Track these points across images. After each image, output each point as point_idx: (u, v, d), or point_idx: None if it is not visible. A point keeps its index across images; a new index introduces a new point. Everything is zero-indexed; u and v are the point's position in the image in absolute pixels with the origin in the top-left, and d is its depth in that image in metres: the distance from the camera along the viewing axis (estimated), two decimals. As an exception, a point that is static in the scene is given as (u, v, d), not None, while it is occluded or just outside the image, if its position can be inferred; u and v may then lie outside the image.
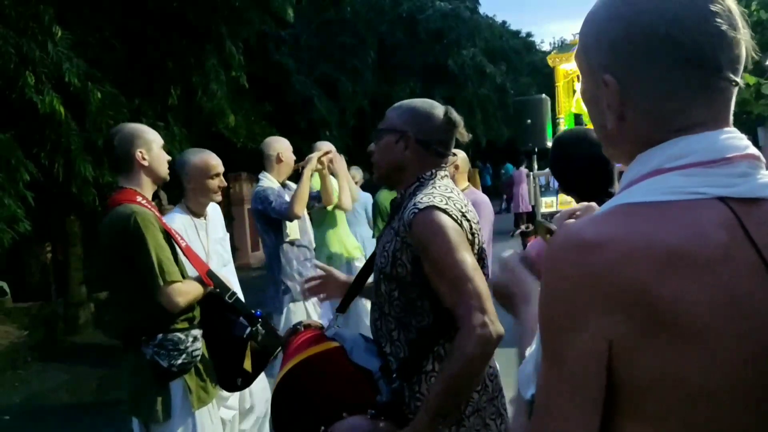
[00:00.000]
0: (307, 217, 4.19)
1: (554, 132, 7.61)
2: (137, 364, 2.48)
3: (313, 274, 3.95)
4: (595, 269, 0.80)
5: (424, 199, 1.73)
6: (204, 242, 3.31)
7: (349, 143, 11.52)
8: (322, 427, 1.75)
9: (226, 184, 3.34)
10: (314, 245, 4.27)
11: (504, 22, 24.71)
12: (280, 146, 4.11)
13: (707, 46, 0.85)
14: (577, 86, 8.56)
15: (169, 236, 2.52)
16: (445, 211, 1.69)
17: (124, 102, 6.34)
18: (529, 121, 6.71)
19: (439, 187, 1.80)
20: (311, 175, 3.99)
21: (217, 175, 3.23)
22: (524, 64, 23.38)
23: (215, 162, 3.25)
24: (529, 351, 0.94)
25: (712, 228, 0.81)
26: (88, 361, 6.68)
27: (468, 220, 1.75)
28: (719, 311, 0.78)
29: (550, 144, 7.70)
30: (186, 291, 2.49)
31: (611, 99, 0.91)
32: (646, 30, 0.87)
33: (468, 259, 1.66)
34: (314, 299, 3.99)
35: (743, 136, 0.89)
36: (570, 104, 10.15)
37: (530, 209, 12.38)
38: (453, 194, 1.78)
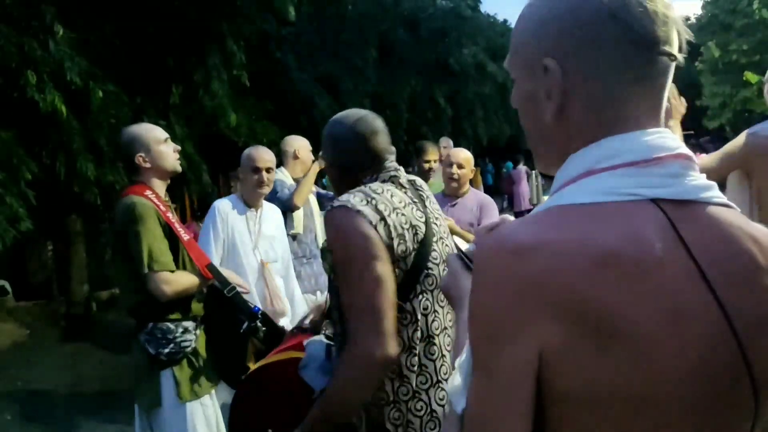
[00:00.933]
0: (316, 215, 4.20)
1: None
2: (136, 349, 2.62)
3: (307, 270, 4.05)
4: (528, 274, 0.77)
5: (344, 196, 1.65)
6: (253, 232, 3.51)
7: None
8: None
9: (266, 180, 3.50)
10: (319, 243, 4.27)
11: (505, 21, 24.66)
12: (298, 144, 4.25)
13: (649, 26, 0.84)
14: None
15: (170, 229, 2.59)
16: (358, 212, 1.58)
17: (126, 100, 6.34)
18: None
19: (370, 186, 1.69)
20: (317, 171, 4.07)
21: (257, 169, 3.47)
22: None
23: (257, 156, 3.51)
24: (458, 362, 0.90)
25: (645, 231, 0.79)
26: (90, 359, 6.68)
27: (387, 225, 1.60)
28: (653, 316, 0.76)
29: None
30: (174, 281, 2.53)
31: (552, 85, 0.88)
32: (593, 12, 0.85)
33: (372, 268, 1.53)
34: (309, 294, 4.02)
35: (675, 136, 0.88)
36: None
37: (531, 208, 12.36)
38: (381, 195, 1.66)
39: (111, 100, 6.04)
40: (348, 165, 1.78)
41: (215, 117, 7.83)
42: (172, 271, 2.53)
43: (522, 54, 0.92)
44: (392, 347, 1.51)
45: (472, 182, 4.26)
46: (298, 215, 4.05)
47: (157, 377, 2.58)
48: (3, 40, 5.15)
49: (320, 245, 4.20)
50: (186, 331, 2.61)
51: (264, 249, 3.53)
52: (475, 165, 16.95)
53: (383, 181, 1.75)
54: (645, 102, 0.87)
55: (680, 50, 0.89)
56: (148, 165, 2.64)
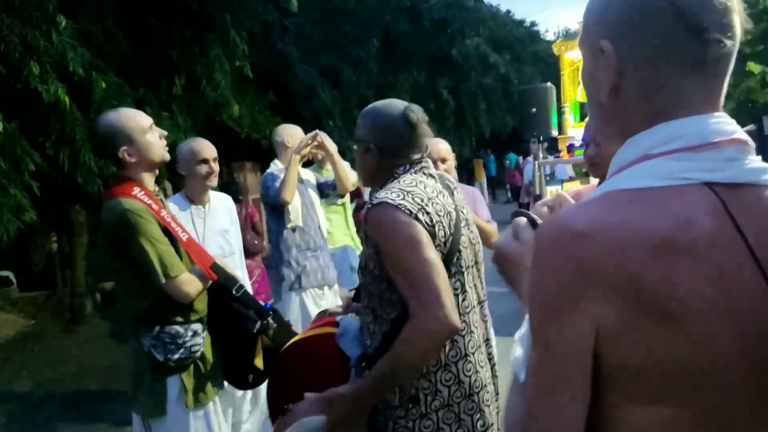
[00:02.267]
0: (317, 205, 4.17)
1: (560, 121, 7.60)
2: (137, 354, 2.42)
3: (312, 264, 4.00)
4: (584, 258, 0.82)
5: (381, 194, 1.77)
6: (199, 230, 3.29)
7: (352, 132, 11.49)
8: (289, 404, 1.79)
9: (215, 170, 3.31)
10: (326, 234, 4.24)
11: (508, 12, 24.61)
12: (287, 133, 4.18)
13: (703, 13, 0.85)
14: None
15: (167, 230, 2.41)
16: (398, 207, 1.70)
17: (129, 92, 6.33)
18: (534, 110, 6.69)
19: (404, 181, 1.82)
20: (300, 161, 3.92)
21: (205, 161, 3.23)
22: (528, 53, 23.25)
23: (201, 147, 3.26)
24: (518, 334, 0.94)
25: (699, 214, 0.82)
26: (94, 350, 6.71)
27: (427, 213, 1.74)
28: (706, 296, 0.79)
29: (555, 133, 7.71)
30: (193, 280, 2.42)
31: (607, 66, 0.91)
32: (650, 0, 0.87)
33: (421, 252, 1.67)
34: (315, 289, 4.00)
35: (732, 121, 0.89)
36: (575, 93, 10.13)
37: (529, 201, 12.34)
38: (416, 188, 1.78)
39: (113, 91, 6.03)
40: (393, 150, 1.88)
41: (218, 108, 7.83)
42: (185, 272, 2.40)
43: (586, 34, 0.96)
44: (455, 318, 1.65)
45: (474, 174, 4.23)
46: (295, 207, 3.98)
47: (161, 385, 2.41)
48: (6, 30, 5.14)
49: (325, 235, 4.20)
50: (195, 334, 2.45)
51: (217, 244, 3.36)
52: (478, 157, 16.85)
53: (414, 172, 1.86)
54: (701, 88, 0.88)
55: (751, 56, 0.90)
56: (134, 159, 2.39)
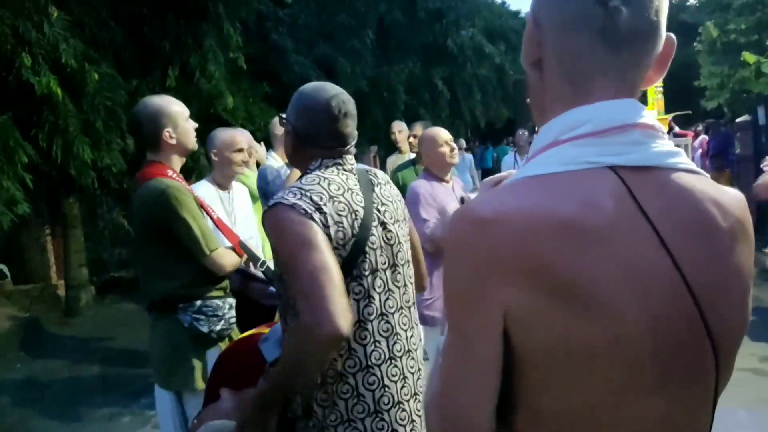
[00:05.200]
0: None
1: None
2: (173, 332, 2.49)
3: None
4: (488, 244, 0.83)
5: (278, 194, 1.67)
6: (230, 213, 3.49)
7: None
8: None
9: (249, 159, 3.52)
10: None
11: (503, 2, 24.48)
12: (274, 124, 4.19)
13: None
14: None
15: (201, 208, 2.56)
16: (292, 206, 1.60)
17: (122, 83, 6.29)
18: (529, 100, 6.70)
19: (307, 179, 1.71)
20: None
21: (241, 150, 3.44)
22: (521, 42, 23.17)
23: (240, 138, 3.49)
24: None
25: (603, 197, 0.83)
26: (90, 342, 6.71)
27: (323, 213, 1.62)
28: (611, 278, 0.80)
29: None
30: (230, 254, 2.55)
31: (530, 37, 0.93)
32: None
33: (310, 255, 1.54)
34: None
35: (642, 106, 0.90)
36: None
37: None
38: (317, 186, 1.67)
39: (106, 83, 5.99)
40: (308, 137, 1.78)
41: (212, 100, 7.79)
42: (221, 247, 2.52)
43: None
44: (339, 323, 1.48)
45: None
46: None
47: (201, 357, 2.51)
48: (-3, 22, 5.10)
49: None
50: (231, 307, 2.58)
51: (242, 227, 3.51)
52: (471, 149, 16.69)
53: (326, 167, 1.75)
54: (614, 64, 0.89)
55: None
56: (173, 142, 2.54)
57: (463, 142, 13.59)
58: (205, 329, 2.49)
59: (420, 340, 1.89)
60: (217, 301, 2.54)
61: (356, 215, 1.69)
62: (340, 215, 1.65)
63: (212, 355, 2.51)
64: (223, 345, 2.57)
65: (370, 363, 1.68)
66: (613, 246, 0.81)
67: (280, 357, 1.60)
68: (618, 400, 0.83)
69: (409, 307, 1.81)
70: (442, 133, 3.73)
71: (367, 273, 1.69)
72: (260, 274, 2.76)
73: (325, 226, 1.62)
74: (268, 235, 1.68)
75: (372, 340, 1.69)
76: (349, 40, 11.71)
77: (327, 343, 1.49)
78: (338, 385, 1.66)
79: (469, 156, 12.75)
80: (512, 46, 18.95)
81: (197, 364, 2.51)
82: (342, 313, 1.49)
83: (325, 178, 1.70)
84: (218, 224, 2.68)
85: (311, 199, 1.63)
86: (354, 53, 11.79)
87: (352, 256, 1.66)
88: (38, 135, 5.58)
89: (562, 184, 0.85)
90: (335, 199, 1.67)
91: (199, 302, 2.49)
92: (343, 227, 1.65)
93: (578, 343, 0.81)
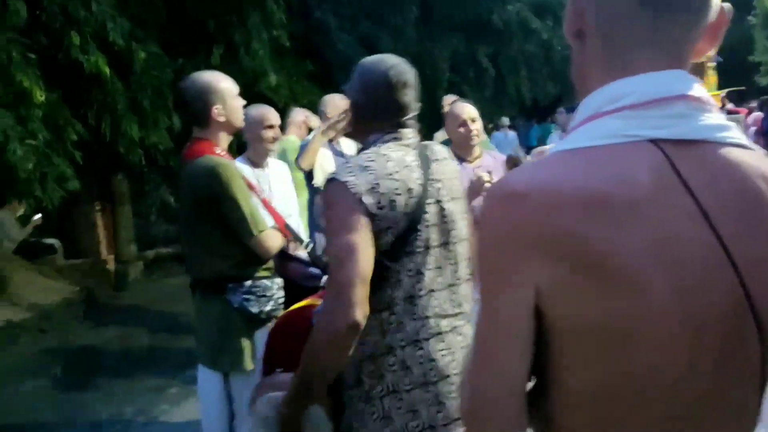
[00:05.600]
0: None
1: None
2: (222, 313, 2.47)
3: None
4: (520, 218, 0.82)
5: (336, 169, 1.68)
6: (266, 192, 3.43)
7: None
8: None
9: (281, 135, 3.51)
10: None
11: (551, -24, 23.95)
12: (330, 103, 4.25)
13: None
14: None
15: (249, 187, 2.52)
16: (344, 184, 1.60)
17: (167, 61, 6.38)
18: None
19: (365, 155, 1.70)
20: (326, 135, 4.00)
21: (272, 126, 3.42)
22: (571, 18, 22.61)
23: (270, 114, 3.46)
24: None
25: (641, 171, 0.81)
26: (138, 316, 6.89)
27: (377, 193, 1.61)
28: (645, 253, 0.78)
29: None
30: (276, 236, 2.51)
31: (571, 7, 0.91)
32: None
33: (348, 238, 1.56)
34: None
35: (691, 78, 0.86)
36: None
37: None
38: (373, 163, 1.66)
39: (153, 62, 6.09)
40: (367, 109, 1.79)
41: (255, 78, 7.83)
42: (268, 229, 2.50)
43: None
44: (354, 313, 1.51)
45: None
46: (317, 172, 4.07)
47: (250, 338, 2.49)
48: (47, 1, 5.20)
49: None
50: (280, 287, 2.55)
51: (279, 208, 3.49)
52: (516, 126, 16.47)
53: (384, 142, 1.74)
54: (660, 42, 0.86)
55: None
56: (222, 119, 2.47)
57: (506, 120, 13.39)
58: (255, 310, 2.46)
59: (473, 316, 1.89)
60: (266, 282, 2.50)
61: (411, 193, 1.68)
62: (394, 193, 1.65)
63: (260, 335, 2.49)
64: (271, 326, 2.50)
65: (418, 338, 1.69)
66: (647, 220, 0.79)
67: (306, 347, 1.61)
68: (648, 379, 0.81)
69: (460, 285, 1.80)
70: (463, 112, 3.50)
71: (419, 250, 1.70)
72: (300, 254, 2.72)
73: (377, 207, 1.61)
74: (322, 206, 1.72)
75: (422, 315, 1.70)
76: (393, 17, 11.61)
77: (342, 331, 1.53)
78: (386, 357, 1.68)
79: (512, 134, 12.57)
80: (560, 21, 18.57)
81: (246, 345, 2.48)
82: (359, 303, 1.52)
83: (383, 155, 1.69)
84: (265, 204, 2.65)
85: (366, 178, 1.62)
86: (397, 30, 11.70)
87: (406, 234, 1.67)
88: (87, 113, 5.71)
89: (599, 157, 0.83)
90: (391, 176, 1.66)
91: (248, 282, 2.46)
92: (397, 205, 1.65)
93: (608, 318, 0.79)
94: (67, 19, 5.31)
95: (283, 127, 4.15)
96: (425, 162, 1.76)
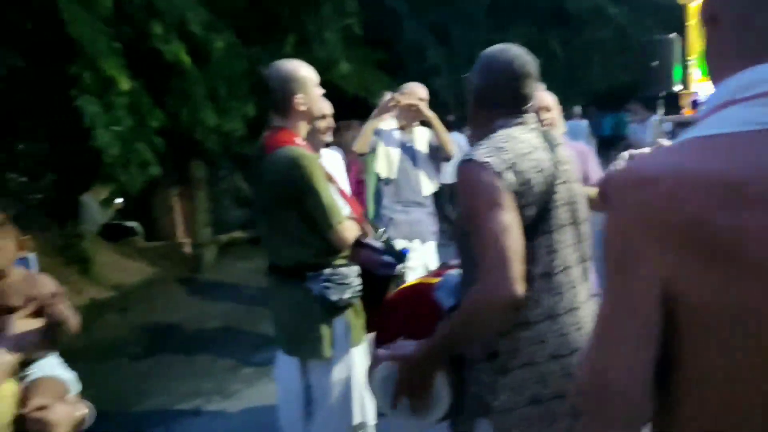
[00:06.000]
0: (423, 163, 4.19)
1: (684, 74, 7.11)
2: (302, 300, 2.50)
3: (401, 217, 4.06)
4: (650, 204, 0.82)
5: (470, 151, 1.72)
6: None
7: (460, 90, 11.33)
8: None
9: (334, 125, 3.47)
10: (426, 192, 4.25)
11: (628, -40, 23.16)
12: (403, 91, 4.20)
13: None
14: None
15: (329, 177, 2.55)
16: (483, 164, 1.65)
17: (243, 51, 6.53)
18: (655, 63, 6.32)
19: (497, 137, 1.75)
20: (377, 120, 4.06)
21: (324, 116, 3.37)
22: (649, 3, 21.83)
23: (323, 104, 3.38)
24: None
25: None
26: (213, 297, 7.13)
27: (516, 171, 1.67)
28: None
29: (677, 88, 7.25)
30: (353, 227, 2.53)
31: None
32: None
33: (497, 215, 1.61)
34: (402, 241, 4.04)
35: None
36: (702, 44, 9.43)
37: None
38: (508, 144, 1.72)
39: (229, 51, 6.24)
40: (489, 96, 1.84)
41: (327, 66, 7.92)
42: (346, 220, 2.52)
43: None
44: (515, 287, 1.57)
45: None
46: (385, 160, 4.09)
47: (329, 325, 2.51)
48: (131, -8, 5.41)
49: (425, 194, 4.22)
50: (357, 275, 2.56)
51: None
52: (589, 115, 15.92)
53: (511, 126, 1.80)
54: None
55: None
56: (303, 108, 2.49)
57: (578, 109, 13.08)
58: (334, 297, 2.47)
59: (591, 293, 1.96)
60: (345, 270, 2.51)
61: (544, 173, 1.74)
62: (530, 173, 1.71)
63: (338, 323, 2.53)
64: (349, 313, 2.57)
65: (553, 313, 1.75)
66: None
67: (458, 312, 1.68)
68: None
69: (584, 262, 1.87)
70: (538, 99, 3.48)
71: (553, 228, 1.76)
72: (374, 243, 2.74)
73: (518, 185, 1.67)
74: (458, 188, 1.74)
75: (557, 291, 1.76)
76: (464, 5, 11.51)
77: (503, 306, 1.58)
78: (524, 332, 1.73)
79: (583, 123, 12.26)
80: (636, 5, 17.92)
81: (326, 332, 2.50)
82: (519, 278, 1.58)
83: (514, 137, 1.76)
84: (342, 194, 2.65)
85: (503, 158, 1.68)
86: (468, 18, 11.59)
87: (542, 212, 1.73)
88: (167, 101, 5.91)
89: (732, 144, 0.82)
90: (525, 156, 1.72)
91: (328, 270, 2.48)
92: (534, 185, 1.71)
93: (738, 304, 0.79)
94: (149, 10, 5.51)
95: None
96: (551, 145, 1.83)
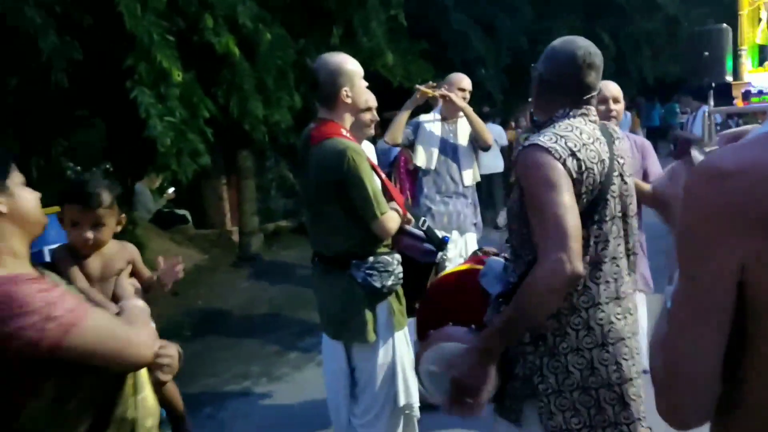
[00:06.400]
0: (464, 154, 4.22)
1: (735, 65, 6.94)
2: (347, 286, 2.60)
3: (440, 207, 4.09)
4: (731, 196, 0.85)
5: (534, 137, 1.79)
6: None
7: (504, 81, 11.25)
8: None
9: (378, 118, 3.51)
10: (469, 183, 4.27)
11: (680, -53, 22.53)
12: (447, 81, 4.25)
13: None
14: (764, 14, 7.69)
15: (373, 168, 2.62)
16: (547, 149, 1.72)
17: (290, 43, 6.63)
18: (706, 53, 6.19)
19: (560, 125, 1.82)
20: (409, 109, 4.11)
21: (369, 109, 3.38)
22: (701, -8, 21.24)
23: (368, 97, 3.38)
24: (668, 290, 0.99)
25: None
26: (260, 283, 7.30)
27: (577, 159, 1.73)
28: None
29: (729, 78, 7.08)
30: (395, 218, 2.61)
31: None
32: None
33: (557, 196, 1.68)
34: (441, 232, 4.08)
35: None
36: (754, 35, 9.15)
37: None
38: (570, 133, 1.78)
39: (277, 43, 6.34)
40: (552, 84, 1.91)
41: (372, 57, 7.97)
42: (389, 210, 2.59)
43: None
44: (578, 264, 1.64)
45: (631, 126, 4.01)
46: (419, 150, 4.13)
47: (373, 310, 2.61)
48: (183, -15, 5.54)
49: (466, 185, 4.24)
50: (399, 262, 2.64)
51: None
52: (635, 107, 15.57)
53: (574, 117, 1.86)
54: None
55: None
56: (349, 101, 2.57)
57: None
58: (377, 284, 2.56)
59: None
60: (387, 257, 2.60)
61: (603, 164, 1.81)
62: (591, 162, 1.78)
63: (381, 308, 2.63)
64: (392, 299, 2.66)
65: (600, 300, 1.82)
66: None
67: (519, 294, 1.73)
68: None
69: (629, 255, 1.93)
70: (607, 90, 3.49)
71: (606, 219, 1.82)
72: (415, 231, 2.80)
73: (578, 172, 1.74)
74: (519, 172, 1.83)
75: (604, 280, 1.83)
76: (510, -5, 11.39)
77: (564, 280, 1.65)
78: (571, 317, 1.81)
79: (628, 114, 12.07)
80: (690, -6, 17.44)
81: (369, 317, 2.60)
82: (579, 255, 1.65)
83: (576, 127, 1.83)
84: (386, 184, 2.74)
85: (566, 145, 1.76)
86: (513, 8, 11.48)
87: (596, 202, 1.80)
88: (217, 92, 6.04)
89: None
90: (587, 146, 1.79)
91: (371, 258, 2.57)
92: (593, 174, 1.78)
93: None
94: (201, 3, 5.64)
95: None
96: (609, 138, 1.89)
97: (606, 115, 3.45)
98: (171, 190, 8.07)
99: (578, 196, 1.74)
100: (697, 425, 0.97)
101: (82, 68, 4.90)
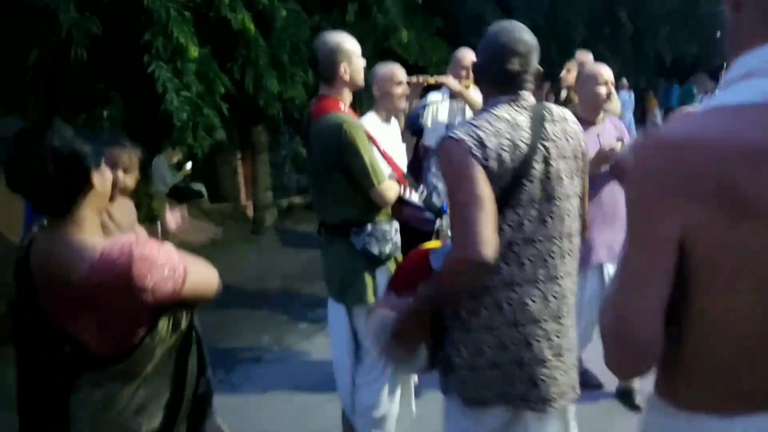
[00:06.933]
0: None
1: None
2: (348, 253, 2.75)
3: (441, 185, 4.15)
4: (675, 166, 0.91)
5: (451, 129, 1.91)
6: (387, 146, 3.62)
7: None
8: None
9: (408, 92, 3.62)
10: None
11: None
12: (453, 58, 4.39)
13: None
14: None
15: (370, 140, 2.75)
16: (458, 141, 1.81)
17: (305, 19, 6.67)
18: (721, 33, 6.18)
19: (481, 117, 1.89)
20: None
21: (400, 83, 3.52)
22: (723, -29, 20.78)
23: (399, 71, 3.57)
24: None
25: None
26: (272, 258, 7.43)
27: (484, 148, 1.79)
28: None
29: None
30: (393, 187, 2.75)
31: None
32: None
33: (468, 187, 1.76)
34: None
35: None
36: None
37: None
38: (485, 123, 1.84)
39: (292, 19, 6.39)
40: (482, 74, 1.98)
41: (387, 34, 7.99)
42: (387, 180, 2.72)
43: None
44: (483, 249, 1.72)
45: (645, 106, 4.03)
46: (428, 130, 4.25)
47: (372, 275, 2.76)
48: (200, -39, 5.59)
49: None
50: (397, 230, 2.80)
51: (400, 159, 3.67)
52: (652, 87, 15.41)
53: (500, 104, 1.90)
54: None
55: None
56: (347, 77, 2.70)
57: (625, 81, 12.85)
58: (375, 251, 2.72)
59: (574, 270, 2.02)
60: (385, 225, 2.76)
61: (519, 150, 1.84)
62: (501, 150, 1.82)
63: (380, 273, 2.78)
64: (391, 264, 2.81)
65: (512, 281, 1.88)
66: None
67: (436, 273, 1.89)
68: None
69: (561, 238, 1.93)
70: (604, 73, 3.48)
71: (523, 203, 1.86)
72: (415, 200, 2.96)
73: (485, 160, 1.80)
74: (439, 163, 1.95)
75: (518, 262, 1.88)
76: (527, -27, 11.29)
77: (472, 267, 1.76)
78: (484, 297, 1.88)
79: (631, 95, 12.06)
80: (710, -26, 17.18)
81: (368, 281, 2.76)
82: (487, 243, 1.73)
83: (495, 116, 1.88)
84: (384, 155, 2.88)
85: (476, 135, 1.82)
86: (531, -13, 11.38)
87: (511, 188, 1.84)
88: (233, 68, 6.11)
89: (754, 113, 0.91)
90: (500, 134, 1.84)
91: (370, 226, 2.72)
92: (503, 161, 1.82)
93: (752, 254, 0.90)
94: (218, -22, 5.70)
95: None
96: (538, 123, 1.90)
97: (603, 99, 3.47)
98: (188, 165, 8.18)
99: (491, 182, 1.79)
100: (641, 376, 1.07)
101: (100, 43, 4.99)
